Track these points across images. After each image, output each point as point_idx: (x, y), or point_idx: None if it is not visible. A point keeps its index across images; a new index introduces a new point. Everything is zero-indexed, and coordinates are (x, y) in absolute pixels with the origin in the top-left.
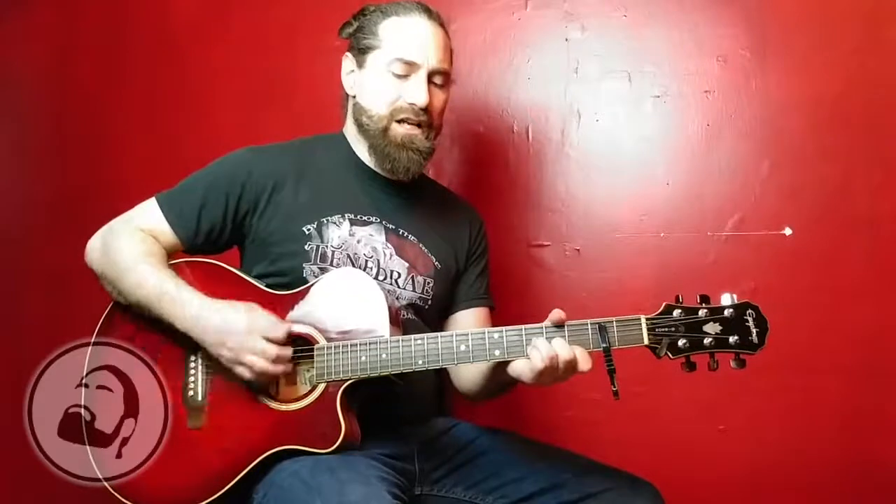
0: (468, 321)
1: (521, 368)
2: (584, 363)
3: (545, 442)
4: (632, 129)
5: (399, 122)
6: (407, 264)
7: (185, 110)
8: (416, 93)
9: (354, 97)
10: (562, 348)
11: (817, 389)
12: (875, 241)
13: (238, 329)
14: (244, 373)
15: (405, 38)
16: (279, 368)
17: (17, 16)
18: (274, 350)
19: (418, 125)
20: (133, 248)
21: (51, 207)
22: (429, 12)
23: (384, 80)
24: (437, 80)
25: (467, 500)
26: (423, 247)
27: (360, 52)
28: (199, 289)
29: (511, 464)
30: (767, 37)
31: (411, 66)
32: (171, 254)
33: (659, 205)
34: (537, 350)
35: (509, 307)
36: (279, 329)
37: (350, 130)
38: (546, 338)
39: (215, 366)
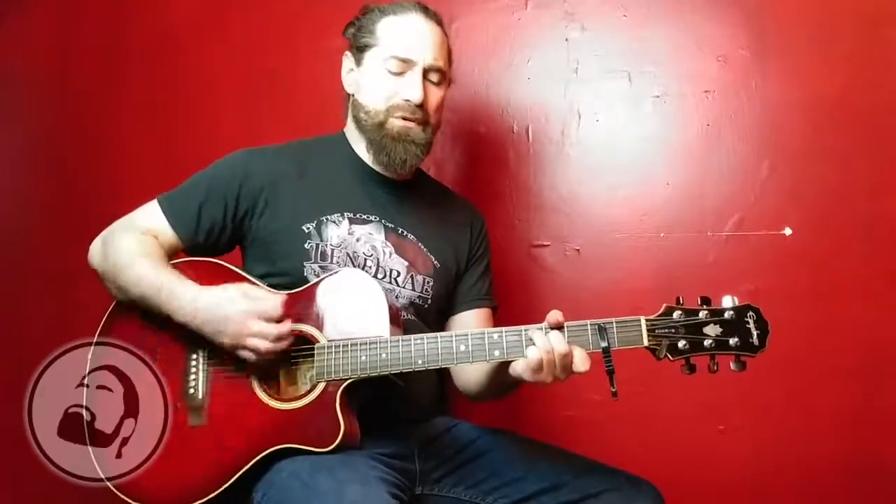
0: (470, 322)
1: (521, 368)
2: (582, 363)
3: (545, 442)
4: (632, 129)
5: (395, 117)
6: (406, 263)
7: (184, 110)
8: (412, 90)
9: (353, 95)
10: (558, 343)
11: (817, 389)
12: (874, 241)
13: (234, 314)
14: (249, 356)
15: (401, 36)
16: (282, 345)
17: (17, 16)
18: (273, 330)
19: (414, 121)
20: (132, 245)
21: (51, 208)
22: (426, 11)
23: (381, 77)
24: (433, 77)
25: (467, 500)
26: (422, 246)
27: (359, 50)
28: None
29: (511, 464)
30: (767, 37)
31: (407, 64)
32: (172, 254)
33: (659, 205)
34: (534, 345)
35: (510, 307)
36: (275, 305)
37: (350, 129)
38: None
39: (216, 363)
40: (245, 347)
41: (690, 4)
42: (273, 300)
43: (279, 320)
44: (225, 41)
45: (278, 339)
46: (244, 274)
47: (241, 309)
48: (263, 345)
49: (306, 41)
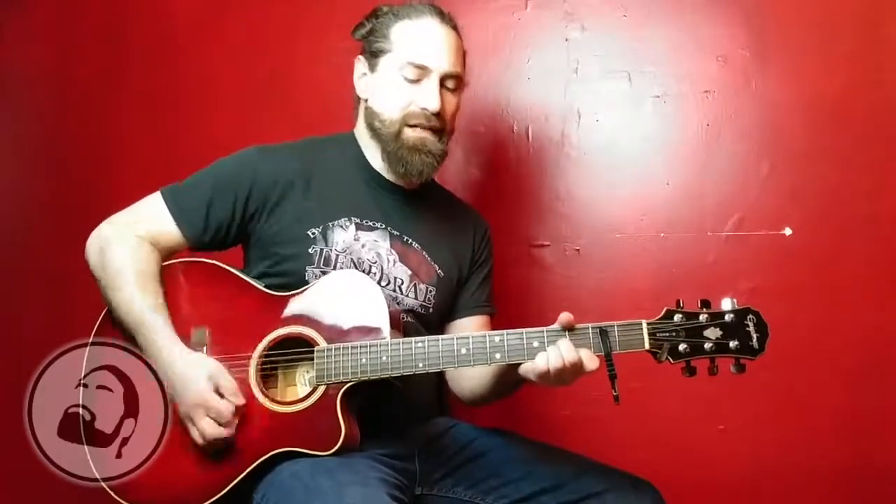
0: (468, 328)
1: (532, 375)
2: (590, 363)
3: (545, 442)
4: (632, 129)
5: (411, 126)
6: (410, 272)
7: (184, 110)
8: (429, 98)
9: (366, 100)
10: (567, 353)
11: (817, 389)
12: (875, 241)
13: (194, 393)
14: (195, 434)
15: (417, 42)
16: (229, 432)
17: (17, 16)
18: (214, 432)
19: (430, 129)
20: (127, 261)
21: (51, 207)
22: (441, 15)
23: (396, 85)
24: (450, 83)
25: (467, 500)
26: (426, 255)
27: (373, 55)
28: (196, 291)
29: (511, 464)
30: (767, 37)
31: (423, 71)
32: (173, 253)
33: (659, 205)
34: (545, 356)
35: (509, 307)
36: (228, 410)
37: (361, 133)
38: (548, 342)
39: None
40: (195, 425)
41: (690, 4)
42: (228, 406)
43: (227, 424)
44: (225, 41)
45: (211, 440)
46: (242, 275)
47: (201, 389)
48: (212, 430)
49: (306, 41)
